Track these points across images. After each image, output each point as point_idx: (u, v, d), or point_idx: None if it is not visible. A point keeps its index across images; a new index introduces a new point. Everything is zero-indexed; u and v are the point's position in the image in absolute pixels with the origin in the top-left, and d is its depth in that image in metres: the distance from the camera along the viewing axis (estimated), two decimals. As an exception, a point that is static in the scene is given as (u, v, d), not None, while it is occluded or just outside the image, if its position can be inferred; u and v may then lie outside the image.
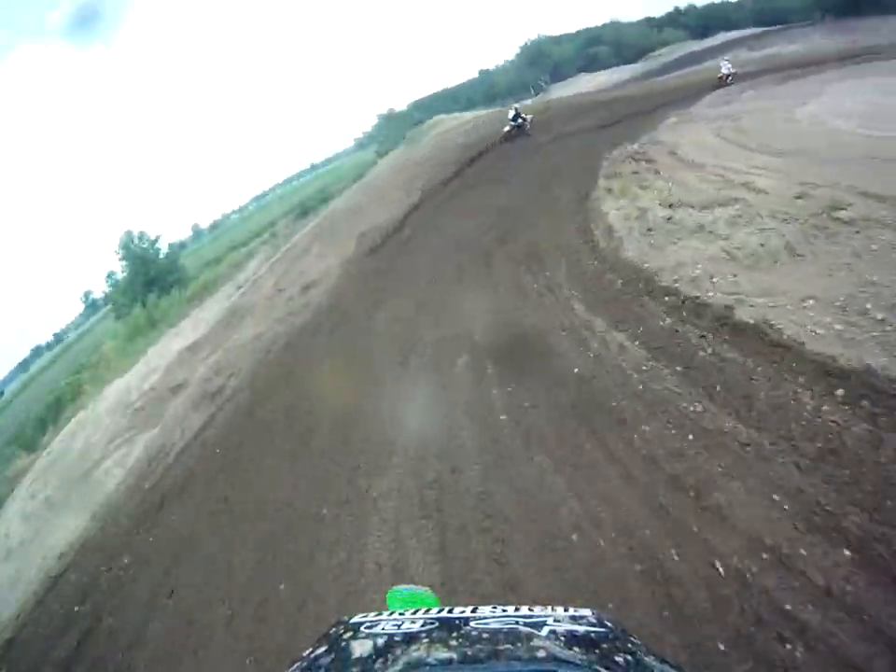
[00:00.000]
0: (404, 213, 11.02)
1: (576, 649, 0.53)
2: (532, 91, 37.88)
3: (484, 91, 42.67)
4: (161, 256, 26.31)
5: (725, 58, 19.03)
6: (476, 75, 57.06)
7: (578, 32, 54.13)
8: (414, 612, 0.67)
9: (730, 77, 16.15)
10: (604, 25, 53.41)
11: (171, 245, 27.98)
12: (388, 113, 43.23)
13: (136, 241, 26.02)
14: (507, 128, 15.41)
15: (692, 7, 49.27)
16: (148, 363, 11.80)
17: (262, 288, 11.72)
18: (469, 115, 27.72)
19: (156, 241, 26.05)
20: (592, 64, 38.14)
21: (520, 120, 15.38)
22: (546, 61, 46.64)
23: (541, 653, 0.50)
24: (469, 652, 0.52)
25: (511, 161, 12.20)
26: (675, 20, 48.75)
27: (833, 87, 10.18)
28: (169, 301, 20.98)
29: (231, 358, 8.37)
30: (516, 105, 17.24)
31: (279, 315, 8.96)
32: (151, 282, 24.46)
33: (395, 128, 36.49)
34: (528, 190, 8.81)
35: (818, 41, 20.10)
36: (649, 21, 52.60)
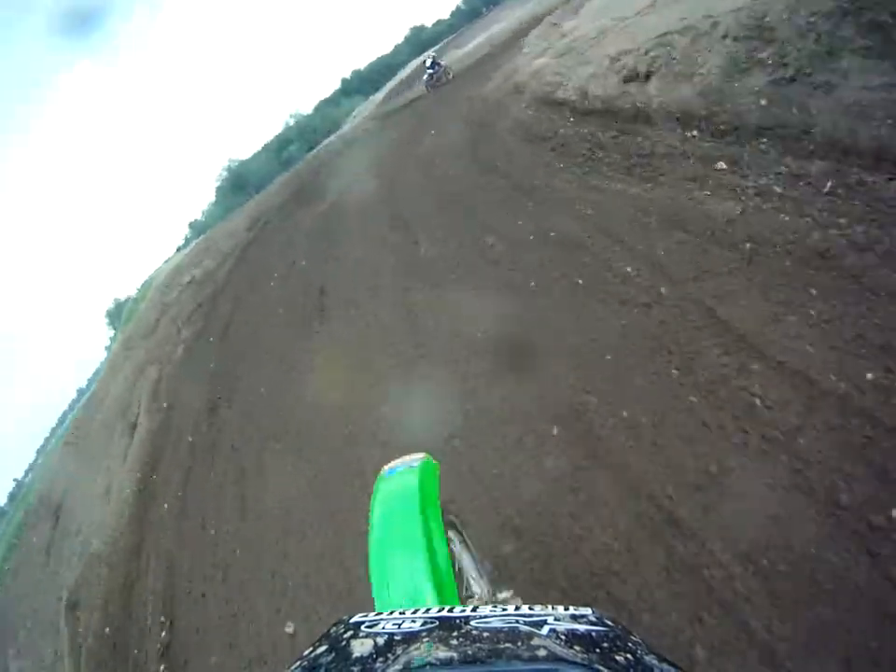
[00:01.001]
0: (133, 490, 4.97)
1: (577, 648, 0.51)
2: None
3: (196, 234, 39.30)
4: None
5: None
6: (188, 229, 53.41)
7: (265, 144, 53.65)
8: (414, 612, 0.63)
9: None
10: (287, 126, 53.65)
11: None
12: (115, 306, 37.23)
13: None
14: (425, 76, 14.65)
15: (356, 74, 52.38)
16: None
17: None
18: (187, 249, 22.57)
19: None
20: (288, 165, 36.68)
21: (437, 68, 14.41)
22: (248, 182, 44.54)
23: (542, 652, 0.48)
24: (470, 652, 0.49)
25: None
26: (347, 90, 50.95)
27: None
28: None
29: None
30: (433, 53, 16.24)
31: None
32: None
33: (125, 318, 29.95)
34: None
35: (515, 14, 18.64)
36: (325, 102, 54.39)
